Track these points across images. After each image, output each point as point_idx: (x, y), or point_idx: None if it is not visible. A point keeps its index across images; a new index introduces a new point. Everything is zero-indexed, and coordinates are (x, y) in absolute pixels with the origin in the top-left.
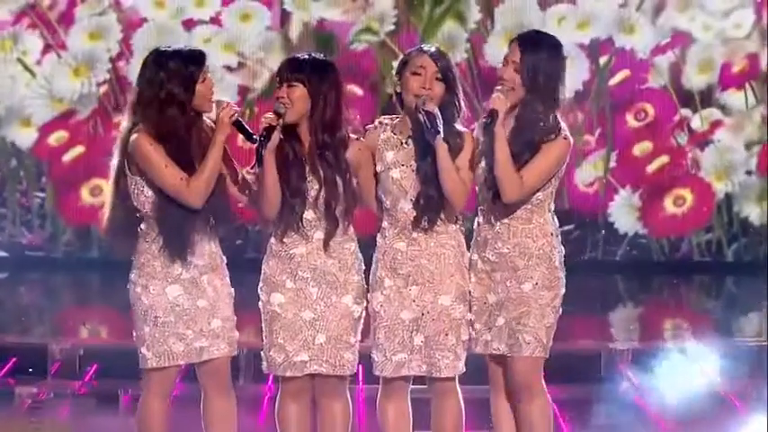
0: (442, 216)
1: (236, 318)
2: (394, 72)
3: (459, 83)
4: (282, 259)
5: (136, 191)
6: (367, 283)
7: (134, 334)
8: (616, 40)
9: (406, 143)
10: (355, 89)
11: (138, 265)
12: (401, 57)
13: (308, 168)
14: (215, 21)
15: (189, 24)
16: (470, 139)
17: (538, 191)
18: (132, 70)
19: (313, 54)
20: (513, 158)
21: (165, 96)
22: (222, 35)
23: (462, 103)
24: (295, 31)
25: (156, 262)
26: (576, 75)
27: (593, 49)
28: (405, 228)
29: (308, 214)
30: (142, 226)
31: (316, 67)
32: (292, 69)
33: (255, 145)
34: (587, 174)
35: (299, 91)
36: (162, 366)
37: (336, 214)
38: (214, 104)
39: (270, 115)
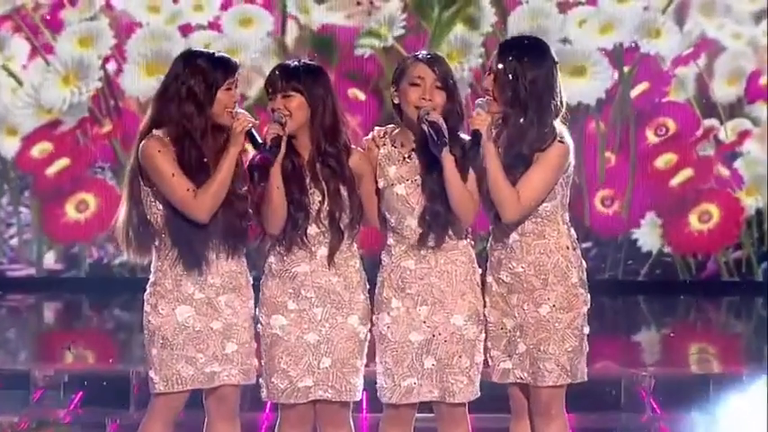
0: (451, 232)
1: (255, 345)
2: (391, 83)
3: (458, 88)
4: (284, 279)
5: (148, 202)
6: (371, 305)
7: (145, 357)
8: (641, 45)
9: (408, 157)
10: (358, 94)
11: (151, 282)
12: (397, 65)
13: (308, 180)
14: (214, 26)
15: (186, 30)
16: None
17: (543, 201)
18: (125, 78)
19: (303, 60)
20: (508, 172)
21: (185, 92)
22: (221, 41)
23: (464, 110)
24: (294, 36)
25: (166, 280)
26: (598, 83)
27: (617, 55)
28: (412, 245)
29: (312, 229)
30: (156, 241)
31: (310, 74)
32: (287, 78)
33: (261, 158)
34: (608, 188)
35: (298, 100)
36: (170, 391)
37: (341, 226)
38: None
39: (275, 126)
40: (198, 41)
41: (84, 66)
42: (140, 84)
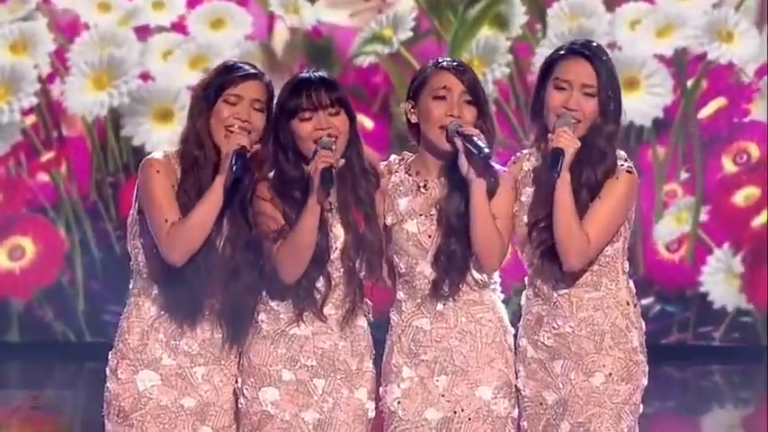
0: (471, 278)
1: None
2: (406, 96)
3: (489, 103)
4: (277, 342)
5: (133, 232)
6: (377, 374)
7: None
8: (709, 51)
9: (424, 187)
10: (360, 116)
11: (116, 338)
12: (414, 76)
13: (330, 218)
14: (178, 27)
15: (143, 32)
16: (507, 181)
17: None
18: (69, 93)
19: (320, 70)
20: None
21: (192, 102)
22: (187, 46)
23: (496, 129)
24: (283, 39)
25: (131, 336)
26: (654, 98)
27: (679, 64)
28: (426, 299)
29: (320, 282)
30: (130, 283)
31: (342, 87)
32: (332, 90)
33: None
34: (670, 230)
35: (343, 117)
36: None
37: (360, 278)
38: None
39: (325, 153)
40: (158, 47)
41: (16, 77)
42: (87, 100)
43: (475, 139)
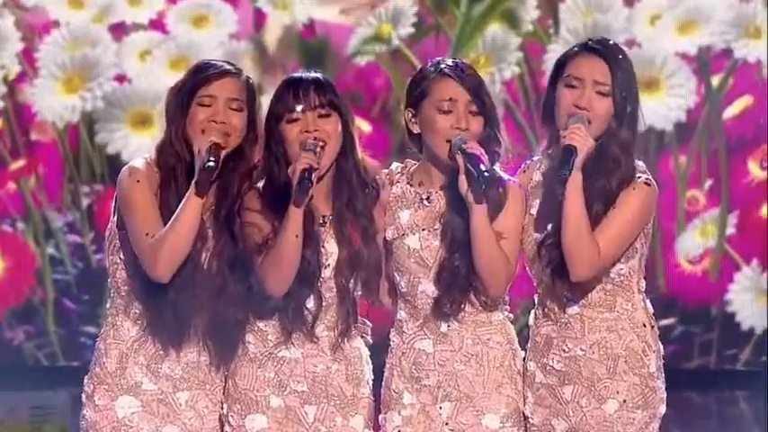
0: (475, 298)
1: None
2: (405, 104)
3: (496, 108)
4: (265, 365)
5: (113, 247)
6: (376, 400)
7: None
8: (735, 48)
9: (428, 199)
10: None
11: (92, 362)
12: (413, 79)
13: (323, 233)
14: (157, 25)
15: (119, 30)
16: (517, 193)
17: (618, 261)
18: (38, 97)
19: (315, 70)
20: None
21: (166, 108)
22: (167, 46)
23: (504, 138)
24: (274, 37)
25: (109, 359)
26: (676, 100)
27: (703, 63)
28: (429, 319)
29: (310, 301)
30: (108, 303)
31: (337, 89)
32: (322, 90)
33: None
34: (693, 244)
35: (335, 121)
36: None
37: (355, 296)
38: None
39: (308, 155)
40: (135, 46)
41: None
42: (58, 104)
43: (476, 159)
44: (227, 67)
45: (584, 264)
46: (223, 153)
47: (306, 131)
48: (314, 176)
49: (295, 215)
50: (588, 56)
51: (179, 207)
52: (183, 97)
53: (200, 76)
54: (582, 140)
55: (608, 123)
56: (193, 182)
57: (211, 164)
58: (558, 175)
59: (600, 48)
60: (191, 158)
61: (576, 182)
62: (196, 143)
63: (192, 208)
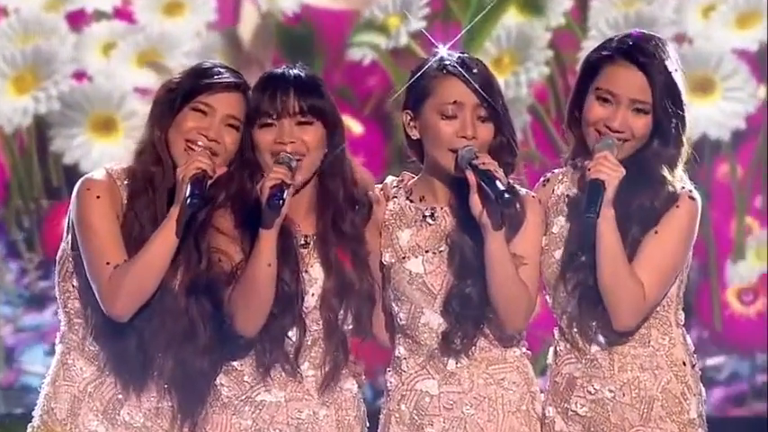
0: (490, 332)
1: None
2: (403, 105)
3: (509, 112)
4: (241, 412)
5: (65, 272)
6: None
7: None
8: None
9: (431, 216)
10: (351, 123)
11: (39, 409)
12: (412, 79)
13: (306, 255)
14: (123, 14)
15: (77, 19)
16: (536, 209)
17: None
18: None
19: (301, 66)
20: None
21: (152, 107)
22: (135, 38)
23: (517, 145)
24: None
25: (58, 404)
26: (734, 104)
27: (764, 62)
28: (434, 356)
29: (293, 333)
30: (57, 338)
31: (324, 90)
32: (304, 92)
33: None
34: (748, 271)
35: (317, 130)
36: None
37: (345, 330)
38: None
39: (281, 169)
40: (97, 38)
41: None
42: (6, 105)
43: (491, 175)
44: (234, 79)
45: (628, 311)
46: (208, 183)
47: (280, 142)
48: (286, 194)
49: (266, 239)
50: (625, 67)
51: (153, 234)
52: (177, 98)
53: (203, 82)
54: (611, 173)
55: (646, 140)
56: (174, 209)
57: (195, 201)
58: (585, 217)
59: (639, 56)
60: (171, 170)
61: (608, 221)
62: (179, 162)
63: (167, 241)
